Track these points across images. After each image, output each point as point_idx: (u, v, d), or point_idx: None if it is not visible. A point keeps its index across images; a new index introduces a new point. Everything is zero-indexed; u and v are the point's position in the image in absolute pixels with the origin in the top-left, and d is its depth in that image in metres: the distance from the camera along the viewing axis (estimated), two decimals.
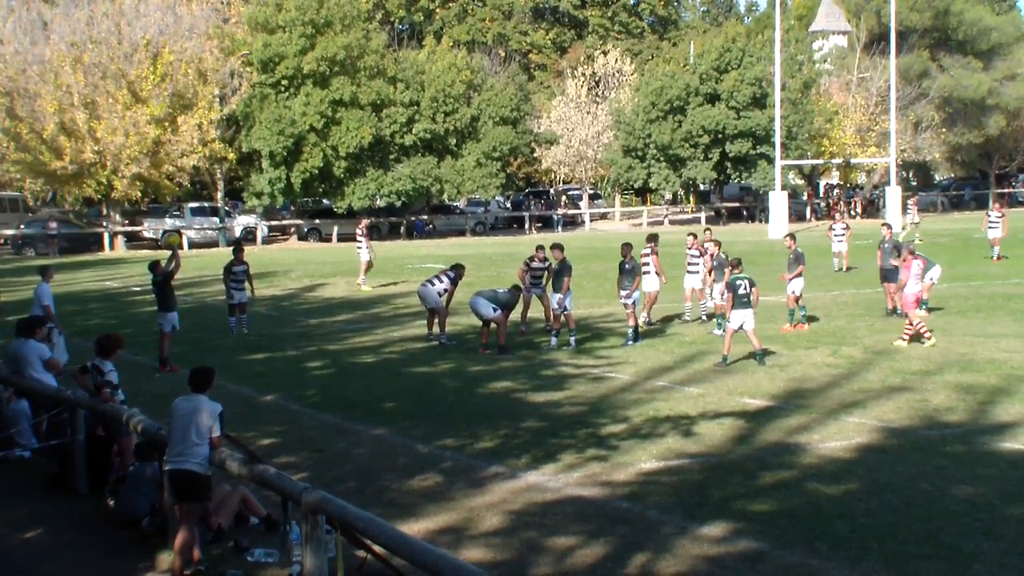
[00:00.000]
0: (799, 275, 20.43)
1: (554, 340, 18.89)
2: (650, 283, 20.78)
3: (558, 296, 18.86)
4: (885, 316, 21.21)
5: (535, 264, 19.97)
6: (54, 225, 50.26)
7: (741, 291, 16.75)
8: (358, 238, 30.87)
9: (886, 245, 22.01)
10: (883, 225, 23.96)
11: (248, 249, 46.70)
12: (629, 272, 19.23)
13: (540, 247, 20.46)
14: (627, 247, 19.60)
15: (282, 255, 46.37)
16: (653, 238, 21.22)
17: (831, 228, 24.56)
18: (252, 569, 8.65)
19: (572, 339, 18.86)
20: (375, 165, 55.27)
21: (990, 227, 31.57)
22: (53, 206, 59.69)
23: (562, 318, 19.08)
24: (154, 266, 18.14)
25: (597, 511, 9.78)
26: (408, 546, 6.59)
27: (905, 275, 18.19)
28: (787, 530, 9.07)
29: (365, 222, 33.77)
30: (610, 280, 29.94)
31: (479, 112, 58.09)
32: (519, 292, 19.86)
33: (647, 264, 20.66)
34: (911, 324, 18.04)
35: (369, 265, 29.93)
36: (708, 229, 23.41)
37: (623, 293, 19.20)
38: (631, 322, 19.18)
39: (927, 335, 17.83)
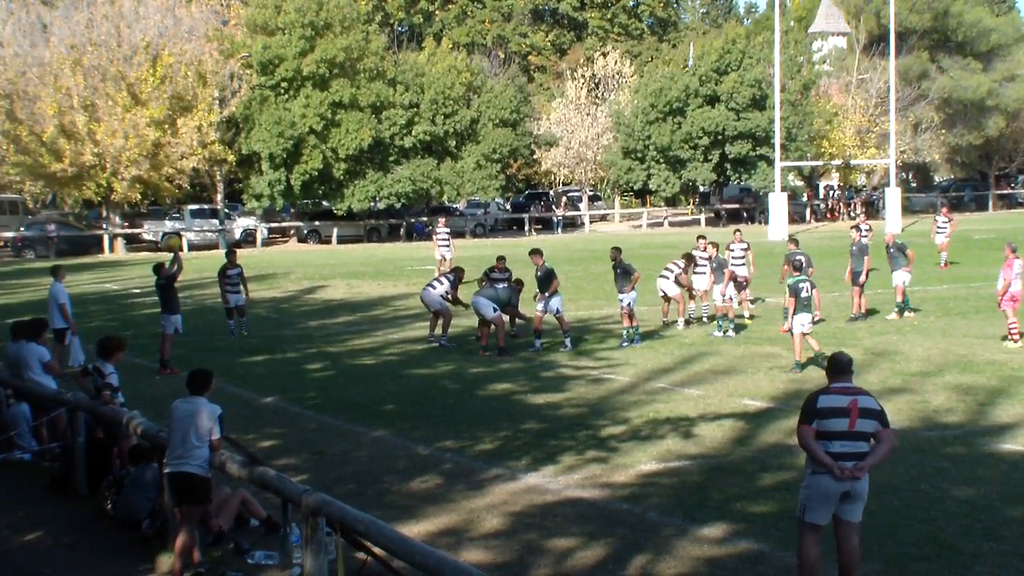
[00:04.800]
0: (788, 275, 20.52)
1: (538, 343, 18.91)
2: (669, 287, 21.01)
3: (542, 301, 18.91)
4: (848, 321, 21.10)
5: (495, 275, 19.89)
6: (52, 227, 50.29)
7: (803, 294, 16.57)
8: (438, 235, 32.88)
9: (854, 248, 21.90)
10: (852, 228, 23.89)
11: (248, 251, 47.08)
12: (623, 275, 19.27)
13: (501, 257, 20.38)
14: (616, 251, 19.67)
15: (282, 257, 46.39)
16: (689, 257, 21.28)
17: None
18: (252, 571, 8.65)
19: (567, 340, 18.86)
20: (375, 167, 55.27)
21: (937, 232, 31.33)
22: (53, 208, 59.69)
23: (550, 321, 19.14)
24: (158, 268, 18.24)
25: (597, 513, 9.78)
26: (408, 548, 6.59)
27: (1007, 273, 18.10)
28: (787, 531, 9.07)
29: (442, 220, 34.92)
30: (609, 281, 29.93)
31: (479, 114, 58.09)
32: (521, 286, 19.87)
33: (670, 271, 20.99)
34: (1014, 321, 18.00)
35: (441, 263, 30.81)
36: (738, 230, 23.71)
37: (621, 296, 19.24)
38: (625, 323, 19.23)
39: (1015, 337, 17.86)
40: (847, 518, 7.41)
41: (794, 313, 16.53)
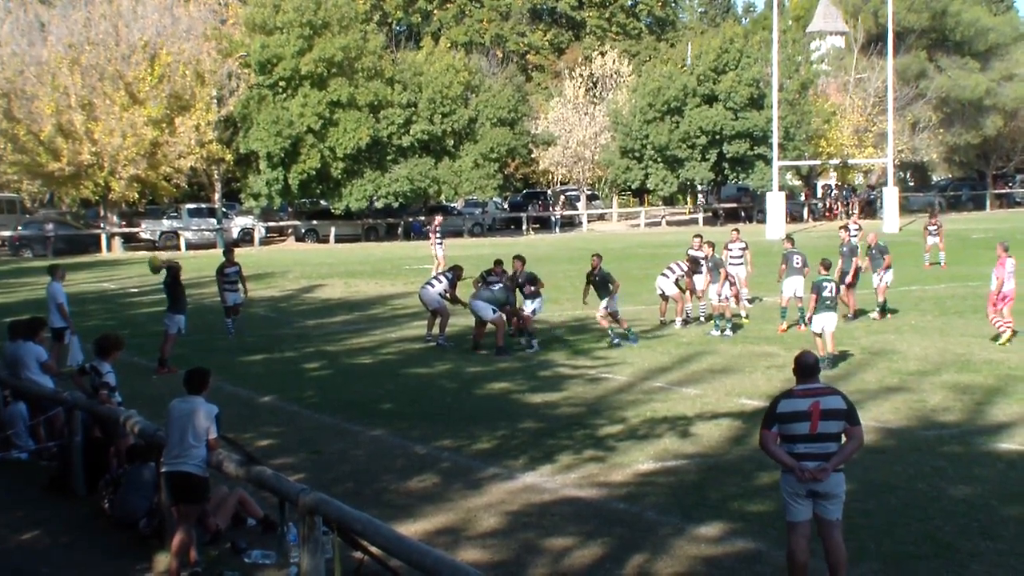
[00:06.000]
0: (784, 274, 20.52)
1: (535, 343, 18.96)
2: (668, 286, 21.16)
3: (530, 305, 19.16)
4: (845, 321, 21.07)
5: (491, 278, 19.89)
6: (50, 226, 50.28)
7: (826, 293, 16.52)
8: (431, 235, 33.35)
9: (844, 249, 21.89)
10: (840, 228, 23.98)
11: (246, 250, 47.03)
12: (602, 284, 19.26)
13: (498, 261, 20.38)
14: (597, 258, 19.63)
15: (280, 256, 46.36)
16: (694, 262, 21.42)
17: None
18: (249, 570, 8.65)
19: (533, 342, 18.95)
20: (372, 166, 55.24)
21: (930, 236, 32.48)
22: (50, 207, 59.64)
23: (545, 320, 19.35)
24: (170, 268, 18.38)
25: (594, 512, 9.79)
26: (405, 547, 6.59)
27: (1000, 272, 18.12)
28: (784, 530, 9.05)
29: (438, 219, 34.79)
30: None
31: (477, 113, 58.07)
32: (514, 284, 19.83)
33: (672, 271, 21.14)
34: (1010, 320, 18.11)
35: (440, 263, 30.98)
36: (736, 229, 23.96)
37: (602, 304, 19.22)
38: (604, 324, 19.22)
39: (1003, 331, 17.96)
40: (825, 516, 7.49)
41: (815, 312, 16.51)
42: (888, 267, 21.74)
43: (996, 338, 18.12)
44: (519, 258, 20.01)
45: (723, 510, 9.68)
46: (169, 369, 17.07)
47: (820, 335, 16.57)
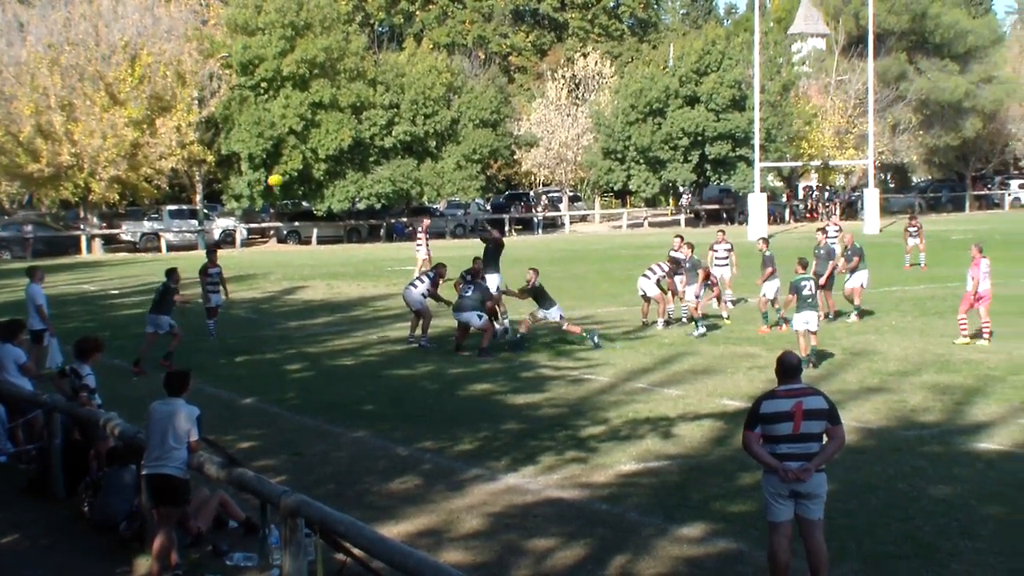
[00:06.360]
0: (769, 277, 20.56)
1: (506, 321, 19.31)
2: (650, 287, 21.17)
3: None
4: (826, 322, 21.14)
5: (470, 277, 19.89)
6: (29, 228, 49.98)
7: (806, 292, 16.60)
8: (418, 236, 33.18)
9: (820, 251, 21.96)
10: (818, 230, 24.10)
11: (227, 252, 46.86)
12: (538, 296, 19.26)
13: (477, 259, 20.40)
14: (534, 272, 19.51)
15: (261, 258, 46.21)
16: (676, 262, 21.44)
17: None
18: (231, 573, 8.61)
19: (506, 321, 19.44)
20: (355, 168, 55.16)
21: (910, 237, 32.90)
22: (30, 209, 59.29)
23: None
24: (171, 272, 18.41)
25: (577, 513, 9.79)
26: (387, 549, 6.58)
27: (975, 272, 18.29)
28: (765, 531, 9.09)
29: (427, 222, 34.85)
30: (589, 282, 29.98)
31: (459, 114, 58.07)
32: (485, 283, 19.78)
33: (653, 272, 21.15)
34: (987, 320, 18.28)
35: (425, 264, 30.73)
36: (722, 231, 24.02)
37: (540, 315, 19.20)
38: (575, 331, 19.18)
39: (965, 334, 18.13)
40: (806, 516, 7.50)
41: (797, 310, 16.61)
42: (853, 269, 21.69)
43: (975, 335, 18.24)
44: (496, 227, 20.27)
45: (705, 511, 9.71)
46: (165, 363, 16.99)
47: (802, 332, 16.66)
